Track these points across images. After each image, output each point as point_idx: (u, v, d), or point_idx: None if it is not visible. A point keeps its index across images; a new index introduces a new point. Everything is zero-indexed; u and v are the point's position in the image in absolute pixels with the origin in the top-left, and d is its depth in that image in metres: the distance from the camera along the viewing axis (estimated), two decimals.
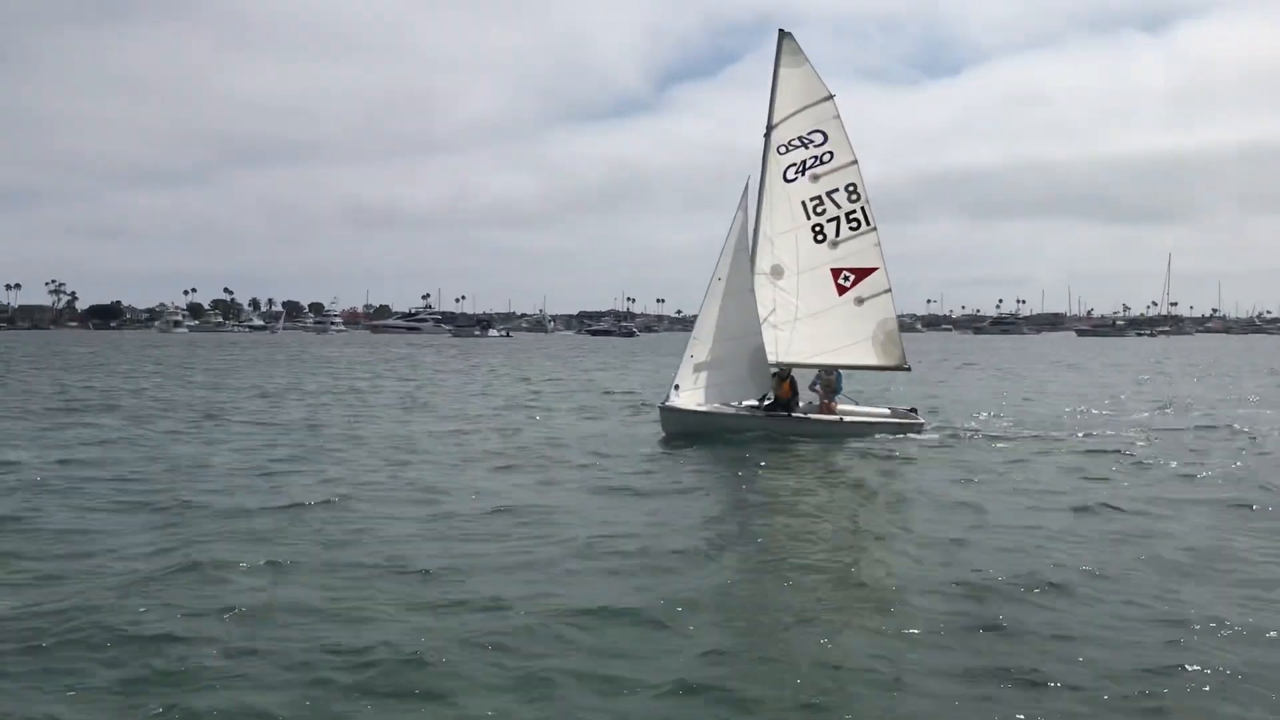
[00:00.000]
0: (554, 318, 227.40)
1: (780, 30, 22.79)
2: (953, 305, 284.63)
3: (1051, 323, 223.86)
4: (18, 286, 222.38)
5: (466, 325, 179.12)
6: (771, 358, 22.60)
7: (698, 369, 22.32)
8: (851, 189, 22.90)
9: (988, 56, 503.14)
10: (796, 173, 22.83)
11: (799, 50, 22.85)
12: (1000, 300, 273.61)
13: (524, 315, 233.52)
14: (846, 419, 22.54)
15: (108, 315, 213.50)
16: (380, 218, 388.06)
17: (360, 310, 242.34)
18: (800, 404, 22.69)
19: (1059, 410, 29.94)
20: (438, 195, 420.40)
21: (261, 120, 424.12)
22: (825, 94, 22.82)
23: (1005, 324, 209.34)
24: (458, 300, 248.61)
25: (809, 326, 23.08)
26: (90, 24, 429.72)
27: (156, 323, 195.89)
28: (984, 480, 16.97)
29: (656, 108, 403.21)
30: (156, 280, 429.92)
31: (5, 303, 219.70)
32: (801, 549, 12.10)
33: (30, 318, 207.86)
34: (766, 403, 22.26)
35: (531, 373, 53.50)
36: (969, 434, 23.15)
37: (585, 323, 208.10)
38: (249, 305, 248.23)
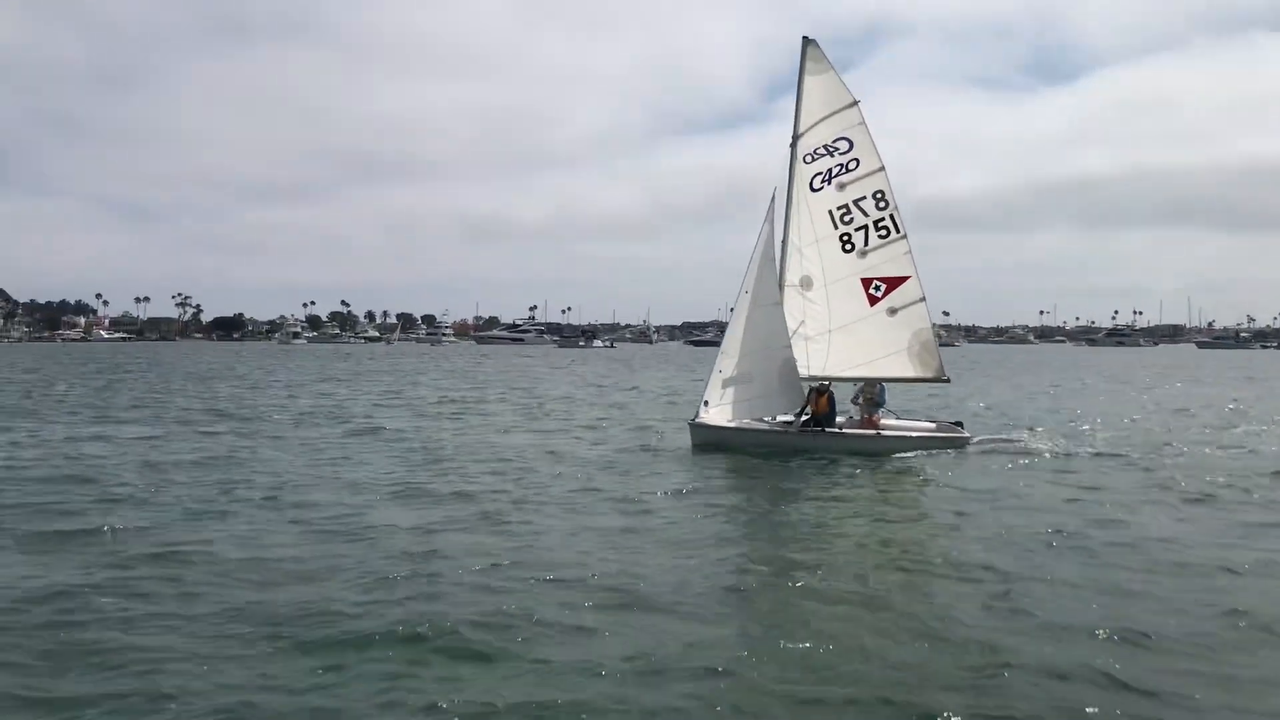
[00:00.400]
0: (657, 329, 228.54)
1: (804, 38, 22.50)
2: (1066, 316, 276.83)
3: (1170, 335, 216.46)
4: (146, 299, 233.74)
5: (571, 336, 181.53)
6: (804, 371, 22.19)
7: (726, 384, 22.00)
8: (879, 196, 22.36)
9: (1105, 61, 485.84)
10: (823, 181, 22.40)
11: (823, 57, 22.45)
12: (1116, 311, 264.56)
13: (628, 326, 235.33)
14: (885, 433, 21.93)
15: (230, 327, 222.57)
16: (491, 231, 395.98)
17: (470, 322, 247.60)
18: (839, 418, 22.22)
19: (1178, 425, 28.79)
20: (546, 208, 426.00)
21: (380, 138, 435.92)
22: (850, 100, 22.35)
23: (1121, 335, 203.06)
24: (564, 312, 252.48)
25: (841, 338, 22.58)
26: (217, 44, 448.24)
27: (276, 335, 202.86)
28: (1098, 503, 15.56)
29: (762, 119, 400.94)
30: (277, 293, 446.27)
31: (135, 315, 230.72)
32: (909, 584, 10.94)
33: (157, 329, 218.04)
34: (804, 418, 21.81)
35: (637, 381, 53.79)
36: (1081, 450, 21.93)
37: (690, 333, 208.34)
38: (364, 318, 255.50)
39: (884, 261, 22.50)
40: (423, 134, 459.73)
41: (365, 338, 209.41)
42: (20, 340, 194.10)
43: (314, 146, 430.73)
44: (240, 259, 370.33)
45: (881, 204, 22.37)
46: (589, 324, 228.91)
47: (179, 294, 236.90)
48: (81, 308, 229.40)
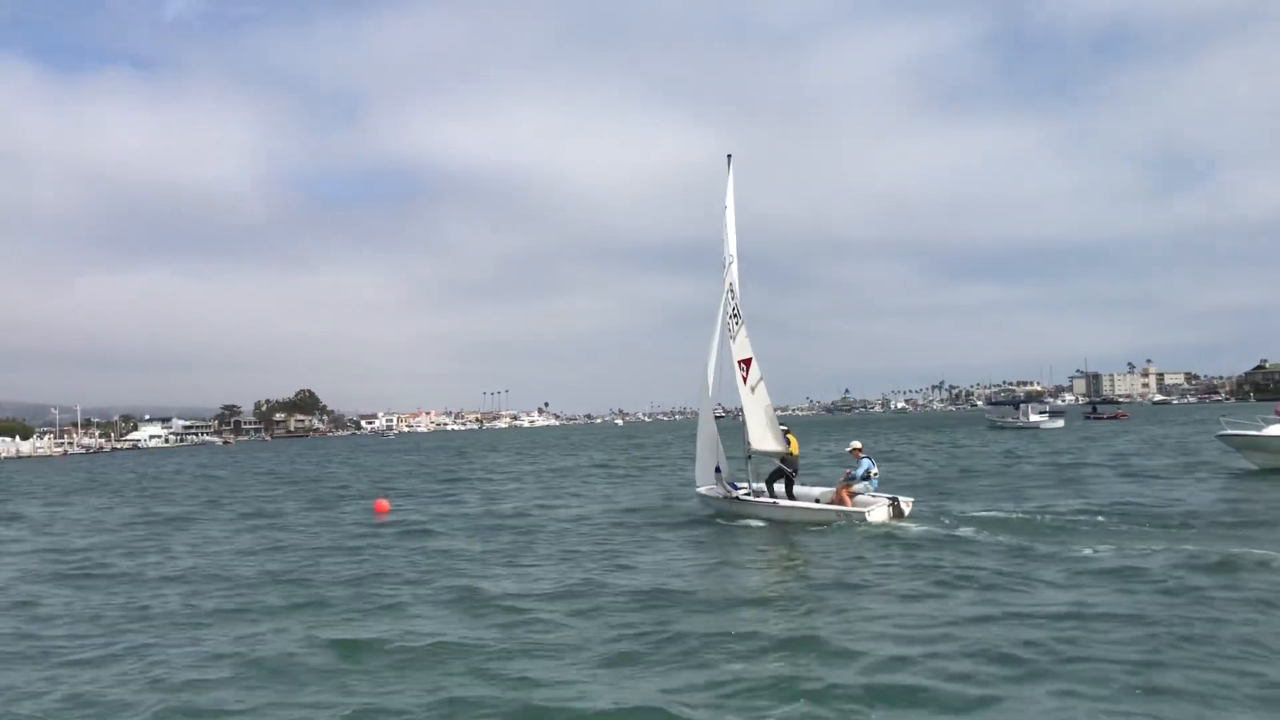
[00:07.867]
0: None
1: (729, 155, 25.18)
2: None
3: None
4: None
5: None
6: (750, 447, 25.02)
7: (698, 458, 26.29)
8: (731, 286, 24.26)
9: None
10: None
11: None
12: None
13: None
14: (784, 503, 23.31)
15: None
16: None
17: None
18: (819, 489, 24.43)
19: None
20: None
21: None
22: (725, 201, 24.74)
23: None
24: None
25: (748, 415, 24.57)
26: None
27: None
28: None
29: None
30: None
31: None
32: None
33: None
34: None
35: None
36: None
37: None
38: None
39: (741, 343, 24.13)
40: None
41: None
42: None
43: None
44: None
45: (732, 294, 24.23)
46: None
47: None
48: None
